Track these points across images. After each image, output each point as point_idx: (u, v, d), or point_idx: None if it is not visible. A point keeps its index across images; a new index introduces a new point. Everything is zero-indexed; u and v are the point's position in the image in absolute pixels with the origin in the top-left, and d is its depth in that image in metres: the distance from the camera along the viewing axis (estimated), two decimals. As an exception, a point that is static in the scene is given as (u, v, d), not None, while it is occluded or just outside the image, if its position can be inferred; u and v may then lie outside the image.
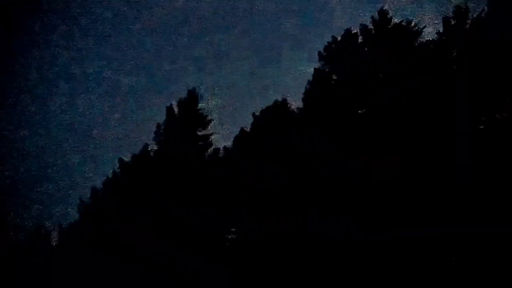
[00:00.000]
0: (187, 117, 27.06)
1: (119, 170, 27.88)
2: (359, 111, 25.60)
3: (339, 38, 26.17)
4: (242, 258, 23.07)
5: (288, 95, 26.45)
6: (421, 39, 25.43)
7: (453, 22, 24.89)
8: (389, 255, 21.36)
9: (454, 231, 20.68)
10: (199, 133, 26.99)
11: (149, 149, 27.31)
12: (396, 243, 21.33)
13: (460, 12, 24.91)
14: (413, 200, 21.92)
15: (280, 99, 26.20)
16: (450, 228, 20.74)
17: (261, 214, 23.00)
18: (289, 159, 23.57)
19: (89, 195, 28.70)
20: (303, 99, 26.02)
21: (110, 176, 27.99)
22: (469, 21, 24.73)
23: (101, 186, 28.53)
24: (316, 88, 25.43)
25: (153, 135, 27.31)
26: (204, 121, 27.10)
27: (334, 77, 25.89)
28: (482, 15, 24.24)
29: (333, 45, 25.91)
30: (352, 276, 21.50)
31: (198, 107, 27.19)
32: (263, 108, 26.15)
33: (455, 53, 25.00)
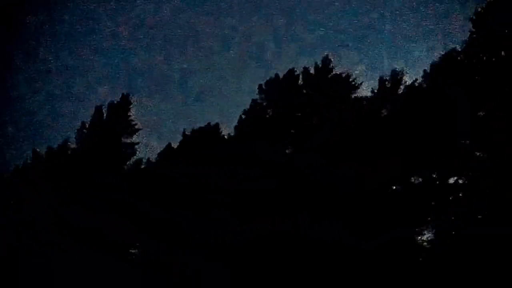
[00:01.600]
0: (116, 122, 26.27)
1: (31, 161, 26.40)
2: (287, 151, 26.30)
3: (281, 76, 26.82)
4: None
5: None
6: (357, 94, 26.73)
7: (388, 84, 26.37)
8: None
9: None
10: (124, 140, 26.26)
11: (68, 145, 26.19)
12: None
13: (396, 76, 26.46)
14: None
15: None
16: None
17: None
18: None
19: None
20: (236, 127, 26.29)
21: (20, 166, 26.45)
22: (402, 87, 26.37)
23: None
24: (251, 119, 25.78)
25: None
26: (132, 129, 26.42)
27: (270, 112, 26.40)
28: (416, 83, 25.93)
29: (275, 82, 26.45)
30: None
31: (129, 114, 26.52)
32: (195, 128, 26.19)
33: (384, 113, 26.50)
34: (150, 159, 26.46)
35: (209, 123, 26.54)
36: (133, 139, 26.48)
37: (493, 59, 24.75)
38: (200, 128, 26.19)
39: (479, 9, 25.15)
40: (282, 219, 22.85)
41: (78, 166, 24.89)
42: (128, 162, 26.19)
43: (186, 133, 26.29)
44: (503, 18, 24.06)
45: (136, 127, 26.55)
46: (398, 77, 26.15)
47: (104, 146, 25.74)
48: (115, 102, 26.53)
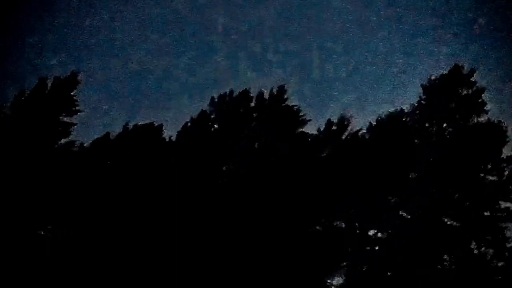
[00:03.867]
0: (57, 98, 25.18)
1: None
2: (224, 167, 26.31)
3: (235, 94, 26.89)
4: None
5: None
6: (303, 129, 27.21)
7: (334, 128, 27.11)
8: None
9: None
10: (62, 118, 25.21)
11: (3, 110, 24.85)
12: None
13: (343, 121, 27.25)
14: None
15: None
16: None
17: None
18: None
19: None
20: (179, 133, 25.98)
21: None
22: (347, 133, 27.20)
23: None
24: (196, 129, 25.62)
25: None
26: (73, 109, 25.36)
27: (216, 126, 26.37)
28: (359, 133, 26.86)
29: (228, 98, 26.47)
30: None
31: (73, 93, 25.52)
32: (138, 124, 25.66)
33: (325, 154, 27.16)
34: (84, 144, 25.53)
35: (152, 123, 26.07)
36: (72, 119, 25.48)
37: (434, 129, 26.22)
38: (143, 125, 25.63)
39: (433, 77, 26.61)
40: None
41: (7, 134, 23.68)
42: (60, 142, 25.12)
43: (128, 126, 25.63)
44: (453, 92, 25.60)
45: (78, 108, 25.55)
46: (345, 123, 26.96)
47: (38, 120, 24.59)
48: (62, 77, 25.52)
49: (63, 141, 25.36)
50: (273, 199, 25.02)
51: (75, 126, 25.58)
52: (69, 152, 24.82)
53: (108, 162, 25.15)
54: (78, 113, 25.69)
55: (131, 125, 25.56)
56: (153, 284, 22.88)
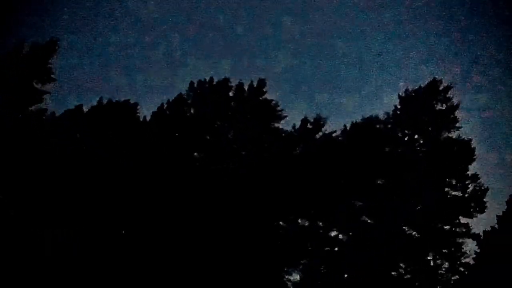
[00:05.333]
0: (32, 63, 24.52)
1: None
2: (195, 154, 26.14)
3: (215, 81, 26.73)
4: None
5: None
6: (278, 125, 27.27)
7: (309, 126, 27.23)
8: None
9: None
10: (36, 85, 24.55)
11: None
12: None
13: (319, 121, 27.38)
14: None
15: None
16: None
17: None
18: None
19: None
20: (154, 113, 25.70)
21: None
22: (321, 134, 27.36)
23: None
24: (171, 112, 25.36)
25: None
26: (46, 77, 24.70)
27: (192, 111, 26.15)
28: (333, 134, 27.05)
29: (208, 85, 26.30)
30: None
31: (49, 61, 24.83)
32: (113, 100, 25.26)
33: (298, 151, 27.27)
34: (55, 113, 25.00)
35: (128, 100, 25.69)
36: (45, 87, 24.84)
37: (406, 139, 26.59)
38: (117, 102, 25.21)
39: (410, 89, 26.94)
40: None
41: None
42: (30, 108, 24.48)
43: (102, 101, 25.17)
44: (428, 106, 25.96)
45: (53, 76, 24.90)
46: (321, 123, 27.08)
47: (11, 82, 23.93)
48: (40, 43, 24.82)
49: (34, 107, 24.77)
50: (241, 190, 25.00)
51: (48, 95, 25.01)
52: (39, 119, 24.23)
53: (78, 135, 24.64)
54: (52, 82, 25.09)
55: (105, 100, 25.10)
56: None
